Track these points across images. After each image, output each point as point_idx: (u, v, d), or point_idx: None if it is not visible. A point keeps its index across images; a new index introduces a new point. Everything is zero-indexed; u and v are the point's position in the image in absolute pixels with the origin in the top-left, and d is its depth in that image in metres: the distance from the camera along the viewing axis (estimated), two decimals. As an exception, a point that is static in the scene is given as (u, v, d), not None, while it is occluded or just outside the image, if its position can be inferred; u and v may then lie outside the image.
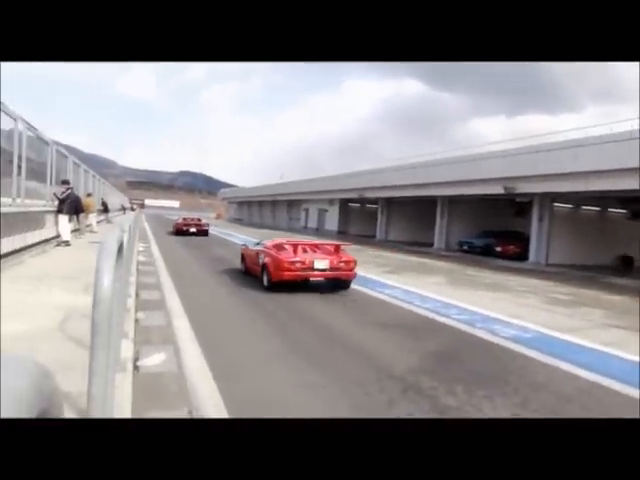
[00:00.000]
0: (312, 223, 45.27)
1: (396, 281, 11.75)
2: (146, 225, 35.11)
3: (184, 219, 28.18)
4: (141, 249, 15.04)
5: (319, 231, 41.63)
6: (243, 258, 11.63)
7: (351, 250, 11.66)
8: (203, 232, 26.34)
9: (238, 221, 65.79)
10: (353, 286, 10.12)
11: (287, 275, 9.12)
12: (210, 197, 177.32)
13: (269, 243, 10.47)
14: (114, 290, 2.25)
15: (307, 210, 47.38)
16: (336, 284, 9.86)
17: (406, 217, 34.08)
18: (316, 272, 9.35)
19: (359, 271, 10.47)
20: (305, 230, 43.68)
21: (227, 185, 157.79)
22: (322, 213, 43.47)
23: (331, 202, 41.18)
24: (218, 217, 78.67)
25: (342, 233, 38.34)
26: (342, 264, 9.59)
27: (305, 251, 9.90)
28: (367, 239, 32.81)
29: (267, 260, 9.53)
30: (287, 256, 9.35)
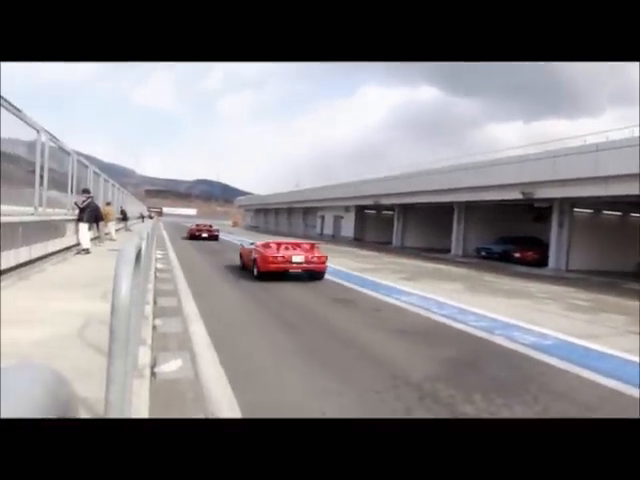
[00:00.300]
0: (328, 230, 45.32)
1: (413, 287, 11.67)
2: (164, 233, 35.52)
3: (197, 225, 31.83)
4: (159, 256, 15.21)
5: (335, 238, 41.64)
6: (241, 256, 14.47)
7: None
8: (213, 237, 29.70)
9: (254, 228, 66.23)
10: (370, 293, 10.21)
11: (271, 267, 11.73)
12: (227, 205, 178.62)
13: (259, 243, 13.13)
14: (132, 297, 2.27)
15: (323, 217, 47.47)
16: (312, 275, 12.39)
17: (422, 223, 33.90)
18: (294, 265, 11.98)
19: (375, 278, 10.66)
20: (321, 237, 43.72)
21: (243, 193, 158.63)
22: (338, 220, 43.50)
23: (347, 209, 41.18)
24: (234, 224, 79.13)
25: (358, 240, 38.28)
26: (315, 259, 12.12)
27: (287, 249, 12.46)
28: (383, 246, 32.72)
29: (256, 256, 12.21)
30: (271, 252, 11.99)
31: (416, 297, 10.20)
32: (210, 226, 31.83)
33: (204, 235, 29.72)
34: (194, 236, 29.45)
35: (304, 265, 12.07)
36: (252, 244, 13.62)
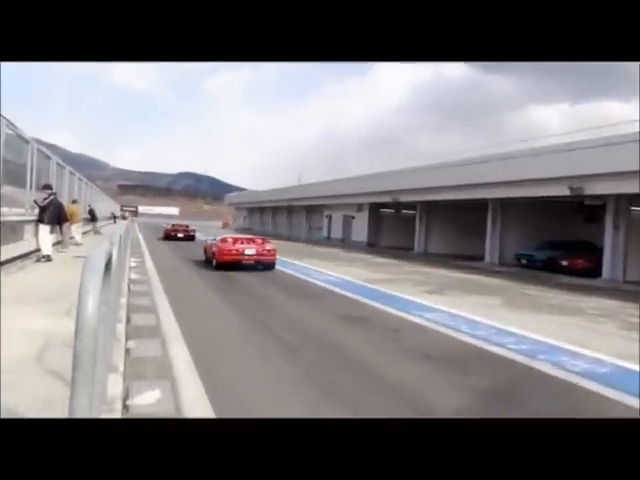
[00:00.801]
0: (336, 233, 45.36)
1: (438, 302, 11.63)
2: (140, 236, 35.60)
3: (173, 225, 36.75)
4: (133, 265, 15.25)
5: (345, 242, 41.65)
6: (205, 250, 19.17)
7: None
8: (189, 237, 33.79)
9: (247, 231, 66.32)
10: (387, 309, 10.25)
11: (226, 258, 16.31)
12: (216, 203, 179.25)
13: (218, 238, 17.85)
14: (100, 315, 2.27)
15: (330, 217, 47.52)
16: (265, 266, 17.04)
17: (450, 225, 33.87)
18: (246, 256, 16.65)
19: (393, 291, 11.41)
20: (329, 241, 43.74)
21: (235, 188, 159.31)
22: (348, 220, 43.53)
23: (359, 207, 41.19)
24: (225, 226, 79.39)
25: (372, 245, 38.31)
26: (265, 252, 17.04)
27: (242, 243, 17.18)
28: (403, 252, 32.69)
29: (215, 249, 16.94)
30: (226, 246, 16.69)
31: (442, 314, 10.15)
32: (187, 226, 36.58)
33: (180, 235, 33.86)
34: (170, 236, 33.44)
35: (255, 257, 16.86)
36: (214, 239, 18.15)
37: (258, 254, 16.82)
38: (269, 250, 17.18)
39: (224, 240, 17.29)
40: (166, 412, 4.22)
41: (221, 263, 16.35)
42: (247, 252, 16.67)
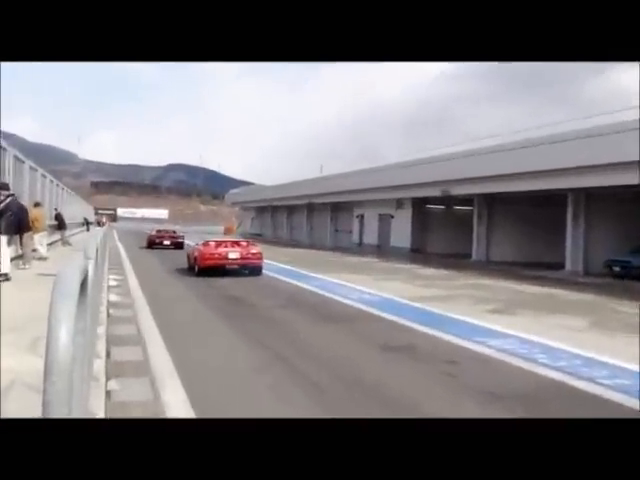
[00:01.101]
0: (370, 237, 45.31)
1: (507, 325, 11.51)
2: (119, 245, 35.95)
3: (157, 231, 38.74)
4: (113, 284, 15.41)
5: (381, 248, 41.52)
6: (188, 257, 22.23)
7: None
8: (177, 244, 35.67)
9: (257, 237, 66.55)
10: (441, 336, 10.28)
11: (209, 262, 19.43)
12: (215, 202, 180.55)
13: (200, 242, 21.04)
14: (75, 348, 2.26)
15: (362, 217, 47.58)
16: (251, 271, 20.15)
17: (518, 224, 33.58)
18: (230, 260, 19.74)
19: (447, 311, 11.80)
20: (361, 248, 43.69)
21: (240, 183, 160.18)
22: (385, 221, 43.55)
23: (399, 204, 41.13)
24: (228, 232, 79.01)
25: (417, 251, 38.13)
26: (250, 255, 20.14)
27: (225, 246, 20.35)
28: (457, 260, 32.50)
29: (196, 254, 20.09)
30: (208, 250, 19.80)
31: (512, 340, 10.07)
32: (174, 232, 39.08)
33: (166, 242, 36.22)
34: (154, 243, 35.99)
35: (240, 261, 19.99)
36: (197, 245, 21.11)
37: (243, 257, 19.93)
38: (254, 253, 20.29)
39: (206, 244, 20.41)
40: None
41: (203, 268, 19.33)
42: (231, 256, 19.74)
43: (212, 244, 20.28)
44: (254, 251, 20.28)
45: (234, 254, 19.72)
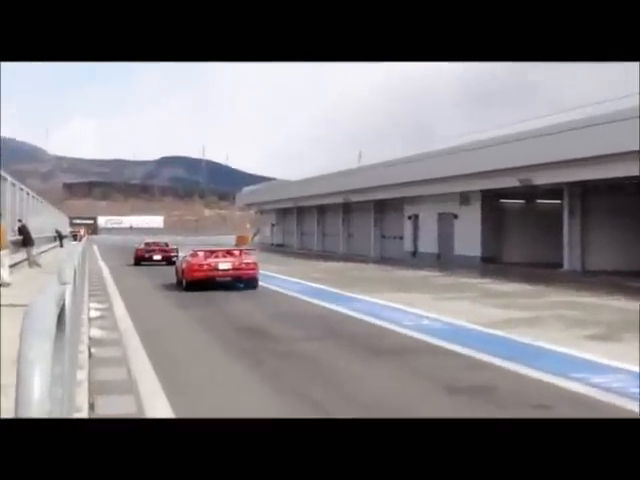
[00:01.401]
0: (428, 244, 45.06)
1: (612, 356, 11.34)
2: (102, 265, 36.41)
3: (146, 244, 41.19)
4: (95, 315, 15.55)
5: (443, 258, 41.35)
6: (176, 271, 25.10)
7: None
8: (169, 259, 36.67)
9: (279, 248, 66.49)
10: (526, 372, 10.27)
11: (197, 275, 22.18)
12: (223, 204, 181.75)
13: (188, 253, 23.85)
14: (53, 401, 2.27)
15: (416, 218, 47.65)
16: (245, 284, 22.60)
17: (623, 221, 33.08)
18: (220, 272, 22.53)
19: (532, 339, 12.67)
20: (415, 259, 43.62)
21: (255, 179, 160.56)
22: (447, 221, 43.62)
23: (464, 199, 41.13)
24: (241, 242, 77.97)
25: (490, 261, 37.87)
26: (244, 265, 22.71)
27: (216, 257, 23.19)
28: (543, 270, 32.28)
29: (184, 266, 22.96)
30: (197, 261, 22.57)
31: (620, 375, 9.97)
32: (165, 244, 41.69)
33: (156, 257, 38.36)
34: (143, 259, 38.34)
35: (232, 272, 22.78)
36: (185, 257, 24.09)
37: (235, 268, 22.73)
38: (248, 264, 23.08)
39: (194, 254, 23.38)
40: None
41: (191, 282, 22.20)
42: (221, 267, 22.63)
43: (200, 254, 23.08)
44: (248, 261, 23.00)
45: (225, 265, 22.51)
